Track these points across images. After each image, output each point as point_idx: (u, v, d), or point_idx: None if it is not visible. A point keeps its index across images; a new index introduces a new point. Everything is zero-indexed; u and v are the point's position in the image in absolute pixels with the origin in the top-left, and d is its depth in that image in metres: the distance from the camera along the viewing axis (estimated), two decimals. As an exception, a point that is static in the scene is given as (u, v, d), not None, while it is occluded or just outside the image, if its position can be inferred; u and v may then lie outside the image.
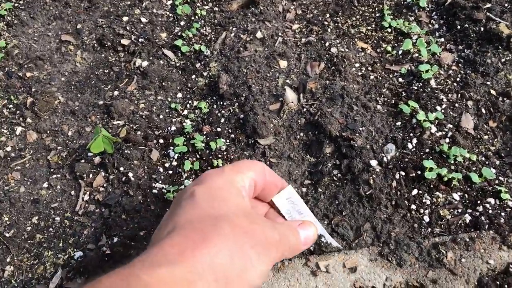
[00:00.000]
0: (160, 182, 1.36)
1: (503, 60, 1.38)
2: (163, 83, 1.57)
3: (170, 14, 1.77)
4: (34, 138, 1.52)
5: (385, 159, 1.26)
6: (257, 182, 0.87)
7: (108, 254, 1.22)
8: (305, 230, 0.87)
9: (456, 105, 1.34)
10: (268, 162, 1.33)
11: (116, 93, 1.59)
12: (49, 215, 1.36)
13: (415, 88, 1.40)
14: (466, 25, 1.48)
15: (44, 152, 1.49)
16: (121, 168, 1.37)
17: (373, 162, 1.26)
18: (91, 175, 1.41)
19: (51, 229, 1.33)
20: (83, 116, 1.55)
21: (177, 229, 0.73)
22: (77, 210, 1.35)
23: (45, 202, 1.39)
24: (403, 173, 1.23)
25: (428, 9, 1.61)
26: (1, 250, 1.30)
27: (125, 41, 1.70)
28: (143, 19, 1.75)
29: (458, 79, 1.40)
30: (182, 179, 1.36)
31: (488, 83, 1.35)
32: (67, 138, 1.51)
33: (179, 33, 1.71)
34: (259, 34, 1.60)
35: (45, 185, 1.42)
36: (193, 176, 1.35)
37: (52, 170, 1.45)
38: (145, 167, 1.39)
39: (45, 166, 1.46)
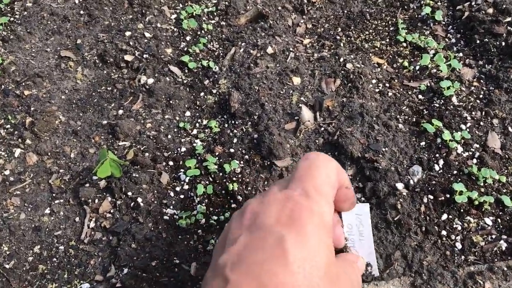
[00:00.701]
0: (172, 207, 1.28)
1: (527, 76, 1.33)
2: (171, 101, 1.50)
3: (175, 29, 1.70)
4: (34, 161, 1.43)
5: (411, 181, 1.20)
6: (334, 197, 0.83)
7: (118, 287, 1.14)
8: (362, 270, 0.89)
9: (481, 123, 1.28)
10: (286, 185, 1.26)
11: (120, 112, 1.51)
12: (52, 243, 1.27)
13: (437, 105, 1.34)
14: (486, 40, 1.44)
15: (45, 175, 1.40)
16: (129, 193, 1.29)
17: (399, 185, 1.19)
18: (96, 200, 1.32)
19: (54, 259, 1.24)
20: (86, 136, 1.47)
21: None
22: (83, 238, 1.27)
23: (47, 229, 1.30)
24: (431, 197, 1.17)
25: (444, 22, 1.57)
26: (1, 282, 1.20)
27: (128, 57, 1.62)
28: (147, 34, 1.68)
29: (481, 96, 1.35)
30: (194, 204, 1.28)
31: (514, 100, 1.30)
32: (70, 161, 1.42)
33: (185, 49, 1.64)
34: (269, 50, 1.53)
35: (47, 211, 1.33)
36: (206, 200, 1.28)
37: (54, 194, 1.36)
38: (155, 191, 1.31)
39: (46, 190, 1.38)
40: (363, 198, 1.19)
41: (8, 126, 1.50)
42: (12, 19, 1.77)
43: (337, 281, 0.74)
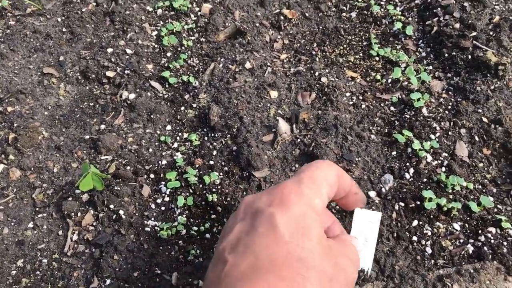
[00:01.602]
0: (153, 219, 1.31)
1: (492, 87, 1.40)
2: (152, 116, 1.54)
3: (156, 45, 1.75)
4: (18, 176, 1.46)
5: (383, 190, 1.25)
6: (330, 196, 0.86)
7: (100, 299, 1.16)
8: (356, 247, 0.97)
9: (450, 133, 1.34)
10: (264, 196, 1.30)
11: (102, 126, 1.54)
12: (36, 257, 1.29)
13: (408, 116, 1.40)
14: (454, 53, 1.50)
15: (28, 190, 1.43)
16: (111, 206, 1.32)
17: (372, 193, 1.24)
18: (79, 214, 1.35)
19: (38, 272, 1.26)
20: (69, 151, 1.50)
21: (260, 271, 0.70)
22: (66, 251, 1.29)
23: (30, 243, 1.32)
24: (402, 204, 1.22)
25: (414, 37, 1.63)
26: (-16, 297, 1.22)
27: (110, 73, 1.66)
28: (128, 51, 1.72)
29: (449, 107, 1.41)
30: (175, 215, 1.31)
31: (480, 110, 1.36)
32: (53, 175, 1.45)
33: (166, 64, 1.68)
34: (248, 65, 1.58)
35: (31, 225, 1.36)
36: (187, 211, 1.31)
37: (37, 209, 1.39)
38: (136, 203, 1.34)
39: (30, 205, 1.40)
40: (337, 207, 1.24)
41: (-9, 142, 1.53)
42: (-5, 37, 1.80)
43: (330, 251, 0.78)
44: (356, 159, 1.31)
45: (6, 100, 1.62)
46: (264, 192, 0.86)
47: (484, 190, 1.24)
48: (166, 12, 1.84)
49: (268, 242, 0.73)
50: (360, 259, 1.02)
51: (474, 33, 1.52)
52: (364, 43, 1.67)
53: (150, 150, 1.47)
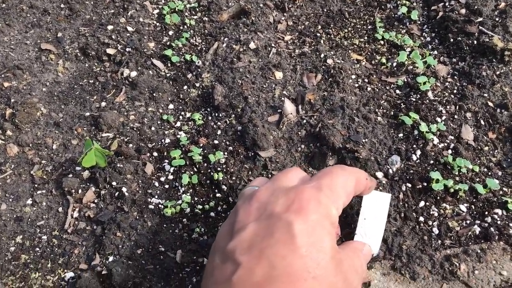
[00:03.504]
0: (156, 197, 1.29)
1: (498, 72, 1.40)
2: (154, 94, 1.51)
3: (158, 24, 1.72)
4: (15, 152, 1.42)
5: (390, 171, 1.25)
6: (346, 204, 0.89)
7: (104, 274, 1.14)
8: (367, 257, 0.99)
9: (456, 116, 1.34)
10: (269, 175, 1.29)
11: (103, 104, 1.51)
12: (35, 233, 1.27)
13: (413, 100, 1.40)
14: (459, 38, 1.50)
15: (26, 166, 1.39)
16: (114, 183, 1.30)
17: (379, 174, 1.24)
18: (80, 191, 1.32)
19: (37, 248, 1.24)
20: (68, 128, 1.46)
21: (275, 283, 0.71)
22: (66, 228, 1.27)
23: (29, 220, 1.29)
24: (409, 185, 1.22)
25: (419, 22, 1.63)
26: (-18, 273, 1.19)
27: (110, 50, 1.63)
28: (129, 28, 1.69)
29: (455, 91, 1.41)
30: (179, 194, 1.29)
31: (485, 95, 1.37)
32: (52, 152, 1.42)
33: (168, 43, 1.65)
34: (252, 45, 1.56)
35: (29, 201, 1.32)
36: (191, 190, 1.29)
37: (36, 185, 1.36)
38: (139, 181, 1.32)
39: (28, 181, 1.37)
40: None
41: (-13, 117, 1.49)
42: (-10, 11, 1.75)
43: (341, 266, 0.79)
44: (363, 140, 1.30)
45: (2, 75, 1.58)
46: (280, 191, 0.85)
47: (489, 173, 1.24)
48: (168, -10, 1.81)
49: (285, 252, 0.73)
50: (369, 239, 1.02)
51: (480, 19, 1.52)
52: (369, 27, 1.66)
53: (153, 128, 1.45)
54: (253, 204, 0.85)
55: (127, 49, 1.62)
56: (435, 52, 1.53)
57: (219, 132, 1.40)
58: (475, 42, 1.48)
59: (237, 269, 0.73)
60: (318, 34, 1.65)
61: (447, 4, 1.60)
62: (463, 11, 1.56)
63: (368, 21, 1.68)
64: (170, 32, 1.69)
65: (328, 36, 1.64)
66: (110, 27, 1.69)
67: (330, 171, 0.89)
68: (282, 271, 0.71)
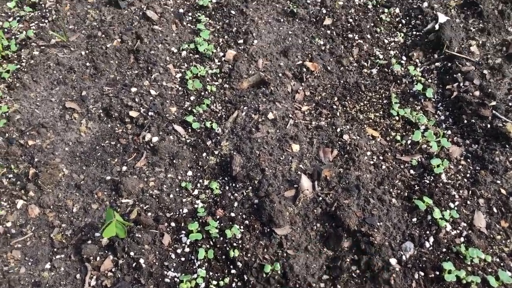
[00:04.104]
0: (172, 269, 1.32)
1: (511, 159, 1.43)
2: (174, 160, 1.55)
3: (180, 88, 1.77)
4: (36, 213, 1.46)
5: (404, 257, 1.27)
6: None
7: None
8: None
9: (468, 202, 1.37)
10: (285, 254, 1.31)
11: (124, 168, 1.55)
12: (52, 301, 1.29)
13: (427, 182, 1.43)
14: (473, 120, 1.54)
15: (47, 229, 1.43)
16: (132, 253, 1.33)
17: (393, 261, 1.26)
18: (98, 258, 1.35)
19: (53, 317, 1.26)
20: (89, 191, 1.50)
21: None
22: (83, 297, 1.29)
23: (47, 285, 1.32)
24: (422, 273, 1.24)
25: (434, 99, 1.67)
26: None
27: (133, 113, 1.68)
28: (152, 92, 1.74)
29: (468, 175, 1.44)
30: (195, 267, 1.32)
31: (498, 181, 1.40)
32: (72, 215, 1.45)
33: (190, 108, 1.70)
34: (270, 115, 1.61)
35: (48, 266, 1.35)
36: (206, 264, 1.32)
37: (55, 249, 1.39)
38: (157, 252, 1.35)
39: (48, 244, 1.40)
40: (358, 271, 1.25)
41: (11, 175, 1.53)
42: (18, 66, 1.80)
43: None
44: (378, 223, 1.33)
45: (27, 133, 1.63)
46: None
47: (502, 264, 1.26)
48: (191, 54, 1.87)
49: None
50: None
51: (494, 103, 1.56)
52: (385, 101, 1.70)
53: (171, 196, 1.48)
54: None
55: (150, 113, 1.67)
56: (449, 132, 1.57)
57: (235, 204, 1.43)
58: (489, 125, 1.52)
59: None
60: (335, 106, 1.69)
61: (461, 84, 1.65)
62: (477, 93, 1.60)
63: (383, 95, 1.72)
64: (192, 97, 1.74)
65: (344, 108, 1.69)
66: (133, 89, 1.74)
67: None
68: None
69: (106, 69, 1.83)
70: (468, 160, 1.49)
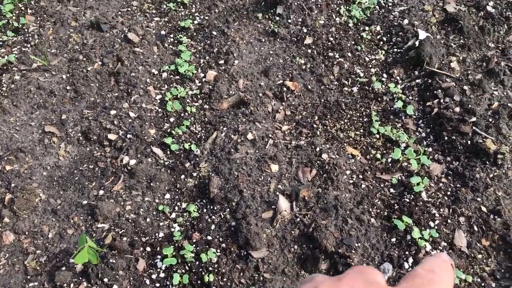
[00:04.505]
0: (147, 296, 1.29)
1: (491, 175, 1.41)
2: (151, 183, 1.53)
3: (160, 110, 1.76)
4: (11, 240, 1.43)
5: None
6: None
7: None
8: None
9: (449, 220, 1.35)
10: (261, 278, 1.28)
11: (101, 192, 1.53)
12: (23, 331, 1.26)
13: (407, 200, 1.41)
14: (453, 137, 1.53)
15: (21, 256, 1.40)
16: (105, 279, 1.30)
17: (370, 283, 1.23)
18: (72, 285, 1.32)
19: None
20: (65, 216, 1.48)
21: None
22: (55, 325, 1.26)
23: (19, 315, 1.29)
24: (401, 295, 1.21)
25: (414, 116, 1.66)
26: None
27: (112, 136, 1.67)
28: (132, 114, 1.73)
29: (448, 193, 1.42)
30: (170, 293, 1.29)
31: (479, 199, 1.38)
32: (47, 241, 1.43)
33: (169, 130, 1.69)
34: (250, 136, 1.60)
35: (20, 295, 1.33)
36: (182, 289, 1.29)
37: (29, 277, 1.36)
38: (131, 278, 1.32)
39: (21, 272, 1.37)
40: None
41: (-13, 202, 1.51)
42: (-1, 91, 1.80)
43: None
44: (356, 244, 1.31)
45: (6, 158, 1.61)
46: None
47: (483, 284, 1.23)
48: (171, 76, 1.86)
49: None
50: None
51: (474, 119, 1.54)
52: (365, 119, 1.69)
53: (148, 220, 1.46)
54: None
55: (128, 135, 1.66)
56: (430, 149, 1.56)
57: (213, 226, 1.41)
58: (469, 142, 1.50)
59: None
60: (315, 125, 1.68)
61: (442, 101, 1.64)
62: (457, 109, 1.59)
63: (364, 113, 1.71)
64: (171, 119, 1.73)
65: (325, 127, 1.67)
66: (113, 112, 1.74)
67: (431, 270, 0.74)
68: None
69: (86, 92, 1.83)
70: (449, 177, 1.47)
